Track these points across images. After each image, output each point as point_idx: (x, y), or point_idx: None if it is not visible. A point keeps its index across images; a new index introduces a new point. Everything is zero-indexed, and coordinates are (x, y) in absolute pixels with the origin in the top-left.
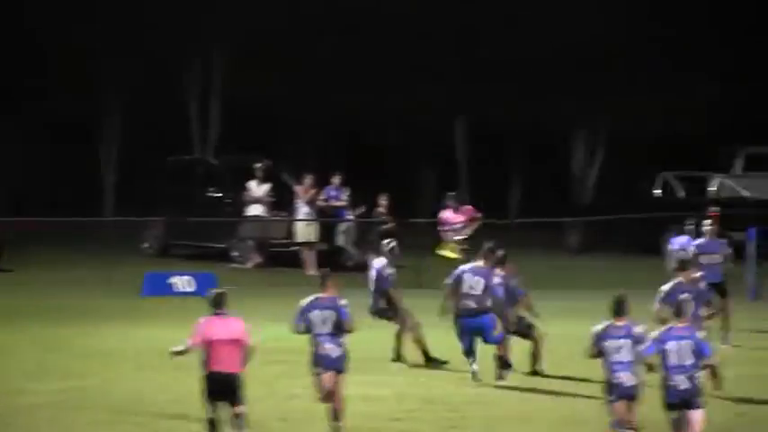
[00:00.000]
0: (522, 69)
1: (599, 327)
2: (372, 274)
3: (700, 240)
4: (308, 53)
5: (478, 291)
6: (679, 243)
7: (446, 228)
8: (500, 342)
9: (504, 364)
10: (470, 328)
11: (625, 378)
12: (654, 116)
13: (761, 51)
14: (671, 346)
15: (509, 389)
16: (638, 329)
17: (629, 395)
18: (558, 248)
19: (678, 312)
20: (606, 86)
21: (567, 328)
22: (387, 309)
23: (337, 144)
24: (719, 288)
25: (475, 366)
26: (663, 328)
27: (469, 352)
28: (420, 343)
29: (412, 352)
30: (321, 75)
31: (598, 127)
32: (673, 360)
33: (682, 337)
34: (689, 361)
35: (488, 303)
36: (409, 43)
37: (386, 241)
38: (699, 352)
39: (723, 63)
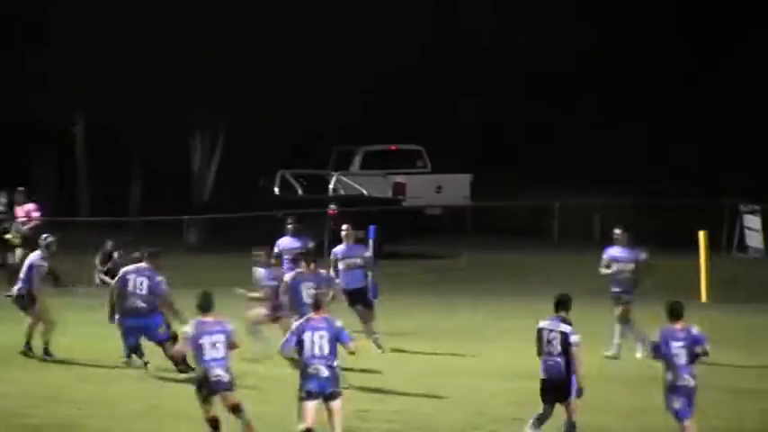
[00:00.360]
0: (138, 61)
1: (191, 324)
2: (26, 263)
3: (340, 247)
4: None
5: (144, 291)
6: (285, 243)
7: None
8: (167, 340)
9: (179, 362)
10: (138, 327)
11: (220, 373)
12: (272, 114)
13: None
14: (308, 336)
15: (138, 386)
16: (230, 326)
17: (225, 389)
18: (178, 246)
19: (315, 304)
20: (224, 84)
21: None
22: (27, 299)
23: None
24: (361, 294)
25: (144, 360)
26: (302, 320)
27: (136, 349)
28: (45, 339)
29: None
30: None
31: (216, 125)
32: (310, 350)
33: (318, 328)
34: (326, 350)
35: (154, 302)
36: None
37: (44, 235)
38: (338, 340)
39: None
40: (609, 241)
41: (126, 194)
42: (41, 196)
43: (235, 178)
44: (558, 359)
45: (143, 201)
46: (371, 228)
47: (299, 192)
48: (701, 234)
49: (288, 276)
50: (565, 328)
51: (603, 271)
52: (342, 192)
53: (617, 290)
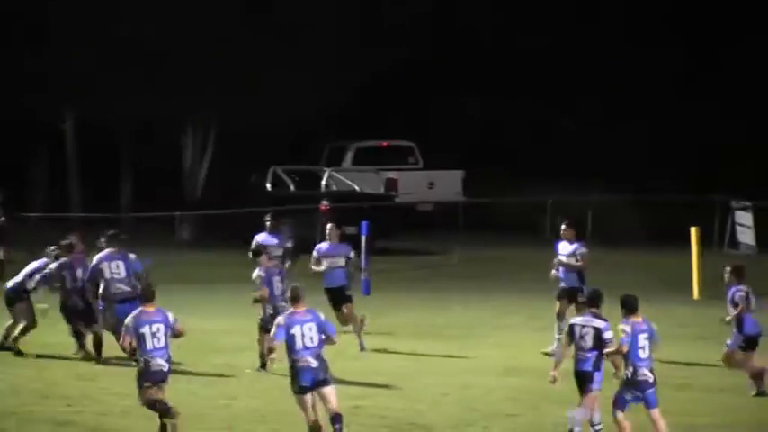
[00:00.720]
0: (134, 60)
1: (132, 315)
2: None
3: (324, 245)
4: None
5: (123, 273)
6: (261, 239)
7: None
8: None
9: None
10: (127, 312)
11: (161, 363)
12: (264, 111)
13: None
14: (297, 330)
15: (130, 383)
16: (171, 315)
17: (164, 380)
18: (170, 243)
19: (293, 297)
20: (216, 80)
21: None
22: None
23: None
24: (342, 293)
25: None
26: (286, 314)
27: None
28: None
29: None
30: None
31: (208, 122)
32: (301, 343)
33: (305, 321)
34: (316, 341)
35: (136, 284)
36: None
37: (52, 248)
38: (323, 331)
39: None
40: (601, 238)
41: (117, 191)
42: (37, 194)
43: (226, 175)
44: (589, 354)
45: (134, 197)
46: (363, 224)
47: (292, 188)
48: (693, 230)
49: (261, 271)
50: (598, 323)
51: (553, 273)
52: (334, 187)
53: (564, 285)
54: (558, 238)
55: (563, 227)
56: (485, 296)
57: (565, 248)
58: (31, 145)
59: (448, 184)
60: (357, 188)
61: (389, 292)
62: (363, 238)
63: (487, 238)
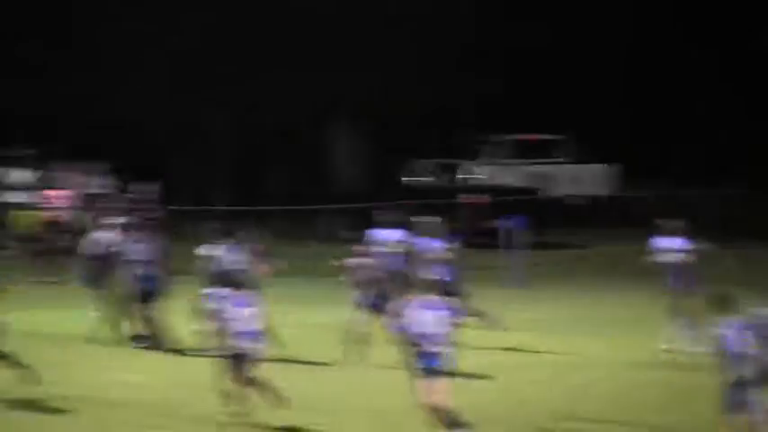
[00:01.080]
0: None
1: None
2: None
3: (420, 239)
4: None
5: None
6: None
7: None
8: None
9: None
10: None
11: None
12: (411, 105)
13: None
14: (414, 317)
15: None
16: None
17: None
18: (312, 236)
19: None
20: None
21: (333, 315)
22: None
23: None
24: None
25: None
26: (403, 304)
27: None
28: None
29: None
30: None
31: (354, 115)
32: (416, 329)
33: (430, 308)
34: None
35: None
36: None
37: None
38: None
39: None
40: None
41: (265, 185)
42: (182, 188)
43: (373, 167)
44: None
45: (281, 191)
46: (521, 218)
47: (437, 180)
48: None
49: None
50: None
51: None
52: (485, 180)
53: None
54: (658, 232)
55: (666, 222)
56: (632, 291)
57: (671, 243)
58: (177, 142)
59: (596, 178)
60: (505, 181)
61: (545, 285)
62: (519, 233)
63: (634, 233)
